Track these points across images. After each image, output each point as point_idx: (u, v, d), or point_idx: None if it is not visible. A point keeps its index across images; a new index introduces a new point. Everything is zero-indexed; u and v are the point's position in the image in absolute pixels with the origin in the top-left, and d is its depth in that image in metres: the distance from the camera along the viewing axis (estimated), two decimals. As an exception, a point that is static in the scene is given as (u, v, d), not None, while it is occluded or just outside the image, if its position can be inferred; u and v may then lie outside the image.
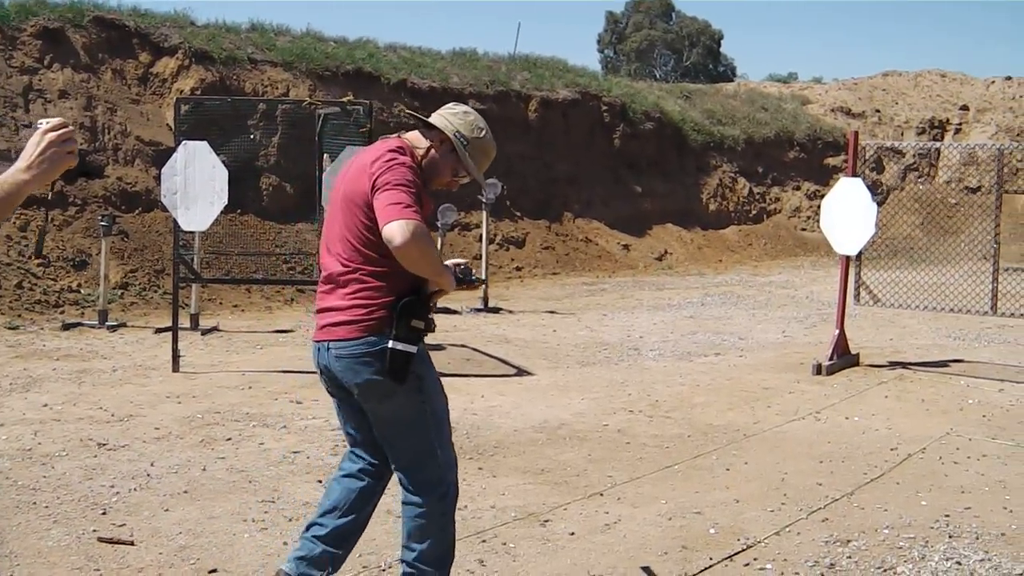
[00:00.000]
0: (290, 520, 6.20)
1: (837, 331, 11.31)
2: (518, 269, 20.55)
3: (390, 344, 4.27)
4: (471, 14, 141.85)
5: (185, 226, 10.56)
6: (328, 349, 4.42)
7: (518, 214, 22.07)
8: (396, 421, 4.49)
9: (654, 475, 7.31)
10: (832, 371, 10.95)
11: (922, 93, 33.46)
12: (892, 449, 8.05)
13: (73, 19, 18.14)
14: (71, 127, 2.92)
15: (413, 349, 4.32)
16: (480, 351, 11.91)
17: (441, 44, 66.27)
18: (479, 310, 15.48)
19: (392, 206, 4.16)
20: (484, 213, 16.44)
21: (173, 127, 11.63)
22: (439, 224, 15.54)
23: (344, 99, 11.98)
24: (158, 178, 16.90)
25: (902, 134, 30.91)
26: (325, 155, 11.51)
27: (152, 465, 7.30)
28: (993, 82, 33.45)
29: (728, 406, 9.46)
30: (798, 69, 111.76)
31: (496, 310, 15.63)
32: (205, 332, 13.03)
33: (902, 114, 32.32)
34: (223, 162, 10.49)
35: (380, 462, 4.69)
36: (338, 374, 4.42)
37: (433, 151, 4.58)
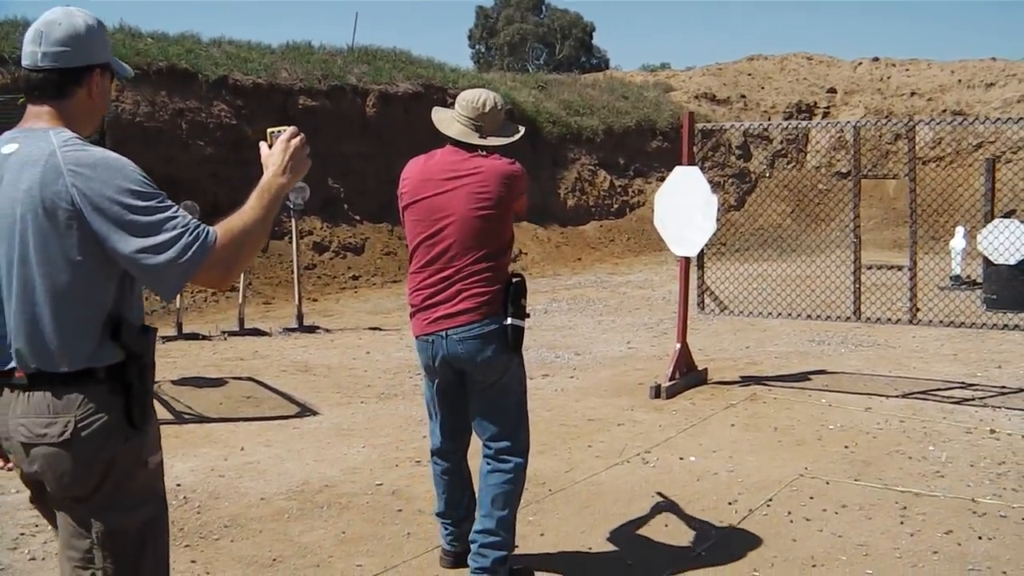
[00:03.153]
0: None
1: (678, 345, 9.71)
2: (355, 278, 18.72)
3: (508, 321, 4.90)
4: (313, 8, 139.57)
5: None
6: (446, 336, 4.91)
7: (357, 218, 20.20)
8: (507, 392, 5.06)
9: (418, 560, 5.61)
10: (673, 393, 9.37)
11: (788, 77, 32.26)
12: (731, 503, 6.45)
13: None
14: (303, 134, 3.29)
15: (524, 324, 4.99)
16: (266, 385, 10.03)
17: (273, 38, 64.14)
18: (292, 329, 13.66)
19: None
20: (292, 221, 14.54)
21: None
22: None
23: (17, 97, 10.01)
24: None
25: (769, 119, 29.65)
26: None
27: None
28: (860, 63, 32.38)
29: (540, 447, 7.74)
30: (671, 59, 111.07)
31: (312, 329, 13.80)
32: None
33: (768, 99, 31.08)
34: None
35: (459, 439, 5.35)
36: (460, 355, 4.91)
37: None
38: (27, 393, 3.00)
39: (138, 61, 18.53)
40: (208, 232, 2.96)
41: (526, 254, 22.29)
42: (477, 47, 72.39)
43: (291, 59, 22.04)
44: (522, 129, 5.34)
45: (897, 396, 9.22)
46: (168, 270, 2.91)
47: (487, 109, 5.11)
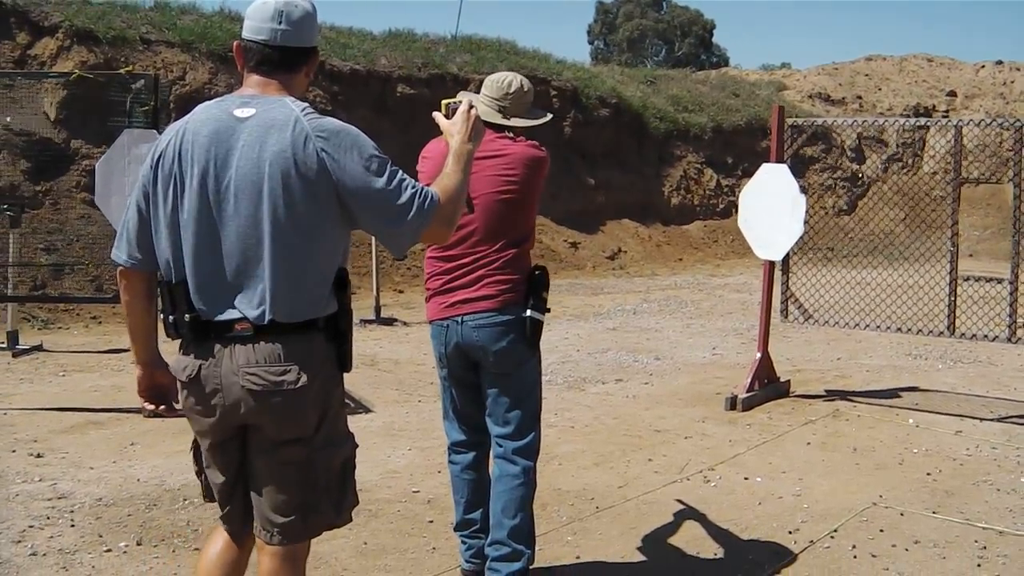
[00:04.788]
0: None
1: (759, 354, 9.11)
2: (445, 271, 18.32)
3: (528, 313, 4.72)
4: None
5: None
6: (462, 322, 4.72)
7: (451, 209, 19.82)
8: (522, 386, 4.85)
9: (436, 581, 5.16)
10: (750, 405, 8.79)
11: (907, 78, 31.21)
12: (791, 532, 5.87)
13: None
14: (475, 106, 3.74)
15: (543, 318, 4.79)
16: (325, 379, 9.66)
17: (375, 25, 63.61)
18: (368, 321, 13.30)
19: None
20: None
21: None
22: None
23: (123, 70, 9.74)
24: (26, 172, 14.86)
25: (885, 121, 28.68)
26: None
27: None
28: (983, 66, 31.21)
29: (596, 459, 7.25)
30: (792, 59, 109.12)
31: (390, 321, 13.46)
32: (18, 353, 10.83)
33: (885, 100, 30.08)
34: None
35: (476, 434, 5.05)
36: (474, 342, 4.73)
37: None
38: (251, 344, 3.26)
39: (232, 45, 18.30)
40: (432, 192, 3.33)
41: (626, 252, 21.75)
42: (596, 43, 71.70)
43: (391, 46, 21.72)
44: (549, 115, 5.09)
45: (992, 419, 8.54)
46: (408, 228, 3.28)
47: (512, 90, 4.88)
